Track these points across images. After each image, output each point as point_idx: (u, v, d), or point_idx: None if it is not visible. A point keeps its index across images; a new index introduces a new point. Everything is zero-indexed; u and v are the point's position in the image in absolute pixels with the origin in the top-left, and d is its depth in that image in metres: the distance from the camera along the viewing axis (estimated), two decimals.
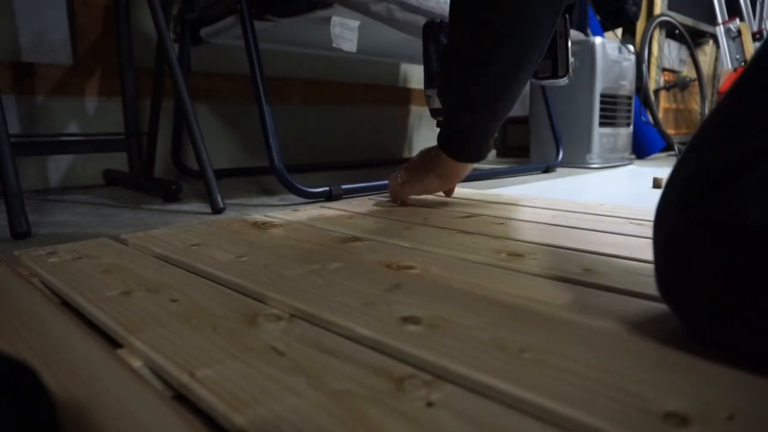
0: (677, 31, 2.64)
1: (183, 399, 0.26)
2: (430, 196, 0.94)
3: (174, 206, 0.93)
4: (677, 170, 0.31)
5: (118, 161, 1.28)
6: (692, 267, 0.27)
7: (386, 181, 1.08)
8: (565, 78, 0.73)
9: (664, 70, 2.76)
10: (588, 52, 1.61)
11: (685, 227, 0.27)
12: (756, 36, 2.44)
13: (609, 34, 2.04)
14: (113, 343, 0.32)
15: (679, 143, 2.30)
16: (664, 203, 0.30)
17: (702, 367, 0.27)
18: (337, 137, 1.79)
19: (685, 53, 2.86)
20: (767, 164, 0.25)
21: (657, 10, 2.65)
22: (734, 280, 0.25)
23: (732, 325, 0.26)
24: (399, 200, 0.84)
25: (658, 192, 0.32)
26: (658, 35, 2.61)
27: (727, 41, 2.37)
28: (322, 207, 0.84)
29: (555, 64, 0.71)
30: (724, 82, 2.49)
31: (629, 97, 1.77)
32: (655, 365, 0.27)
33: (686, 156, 0.30)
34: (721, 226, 0.25)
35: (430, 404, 0.24)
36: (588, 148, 1.66)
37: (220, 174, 1.29)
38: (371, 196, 0.99)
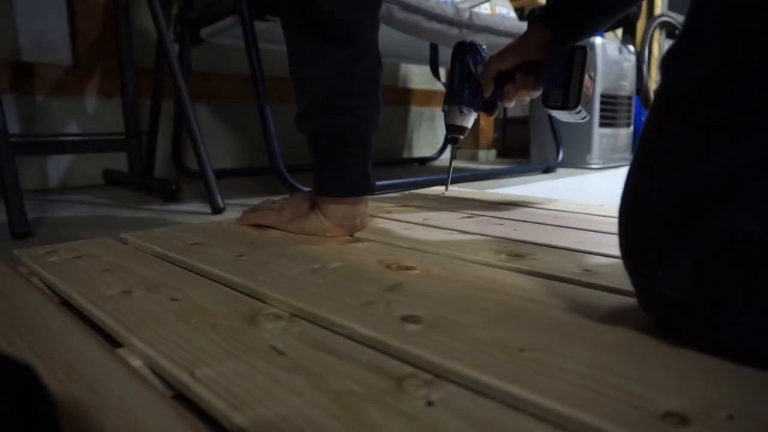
0: (677, 32, 2.63)
1: (183, 398, 0.26)
2: (430, 194, 0.94)
3: (174, 206, 0.93)
4: (649, 190, 0.30)
5: (118, 161, 1.28)
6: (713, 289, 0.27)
7: (384, 182, 1.09)
8: (578, 109, 0.69)
9: None
10: None
11: (697, 246, 0.27)
12: None
13: (609, 34, 2.04)
14: (113, 342, 0.32)
15: None
16: (649, 229, 0.29)
17: (702, 366, 0.27)
18: None
19: None
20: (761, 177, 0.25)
21: (657, 10, 2.65)
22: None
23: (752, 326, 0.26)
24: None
25: None
26: (658, 35, 2.61)
27: None
28: None
29: (567, 94, 0.68)
30: None
31: (629, 98, 1.77)
32: (655, 365, 0.27)
33: (656, 175, 0.29)
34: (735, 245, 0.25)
35: (430, 403, 0.24)
36: (588, 149, 1.66)
37: (220, 174, 1.29)
38: (371, 196, 0.99)
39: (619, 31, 2.09)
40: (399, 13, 0.98)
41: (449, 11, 1.06)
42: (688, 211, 0.27)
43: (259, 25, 1.05)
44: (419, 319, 0.33)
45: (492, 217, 0.71)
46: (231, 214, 0.85)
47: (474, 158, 2.13)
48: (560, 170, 1.60)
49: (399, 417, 0.23)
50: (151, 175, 1.27)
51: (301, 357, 0.29)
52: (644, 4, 2.31)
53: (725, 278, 0.26)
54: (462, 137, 0.77)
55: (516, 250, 0.52)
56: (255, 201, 0.98)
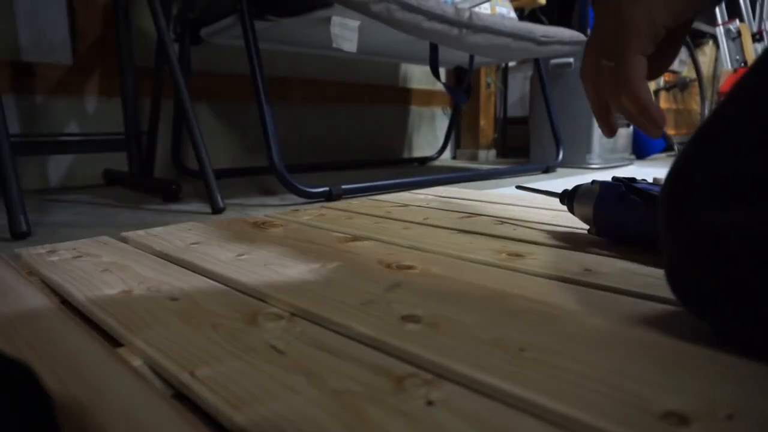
0: None
1: (183, 398, 0.26)
2: (430, 194, 0.94)
3: (174, 206, 0.93)
4: (704, 160, 0.30)
5: (118, 161, 1.28)
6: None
7: (384, 182, 1.08)
8: None
9: None
10: None
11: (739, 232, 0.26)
12: (756, 37, 2.44)
13: None
14: (113, 341, 0.32)
15: (679, 143, 2.30)
16: (692, 194, 0.29)
17: (701, 366, 0.27)
18: (337, 137, 1.79)
19: (684, 54, 2.86)
20: None
21: None
22: None
23: None
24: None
25: None
26: None
27: (726, 42, 2.37)
28: (322, 207, 0.84)
29: None
30: (724, 82, 2.49)
31: None
32: (654, 364, 0.27)
33: (714, 149, 0.29)
34: None
35: (430, 403, 0.24)
36: (588, 149, 1.66)
37: (220, 174, 1.29)
38: (372, 196, 0.99)
39: None
40: (399, 13, 0.98)
41: (449, 11, 1.06)
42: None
43: (260, 25, 1.05)
44: (419, 319, 0.33)
45: (492, 216, 0.71)
46: (231, 213, 0.85)
47: (474, 158, 2.13)
48: (560, 170, 1.60)
49: (399, 416, 0.23)
50: (151, 175, 1.27)
51: (301, 356, 0.29)
52: None
53: None
54: None
55: (516, 250, 0.52)
56: (255, 201, 0.98)
